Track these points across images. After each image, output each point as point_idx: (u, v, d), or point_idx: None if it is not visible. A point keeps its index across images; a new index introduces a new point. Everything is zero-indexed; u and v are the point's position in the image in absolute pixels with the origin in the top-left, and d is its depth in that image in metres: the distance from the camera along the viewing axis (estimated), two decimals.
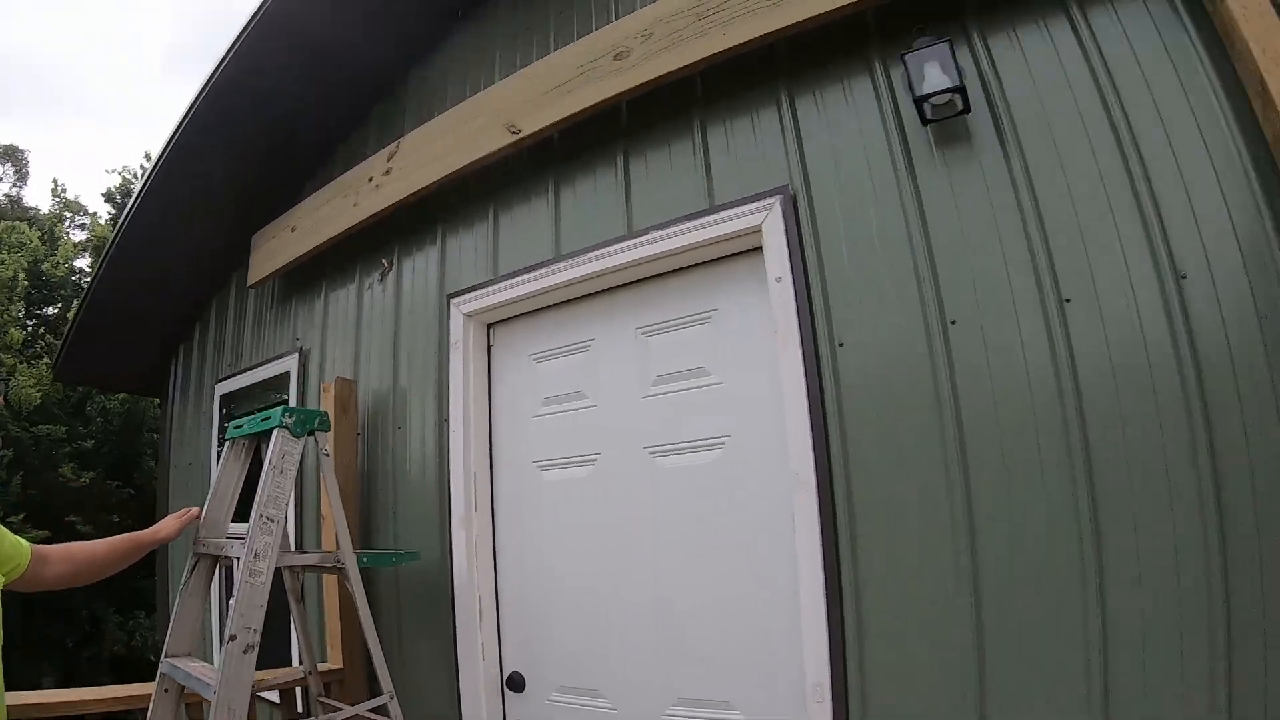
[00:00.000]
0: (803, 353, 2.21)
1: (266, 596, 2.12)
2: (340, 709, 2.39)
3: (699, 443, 2.47)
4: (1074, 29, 2.06)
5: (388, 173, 3.32)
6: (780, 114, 2.44)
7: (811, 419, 2.16)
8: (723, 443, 2.42)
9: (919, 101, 2.09)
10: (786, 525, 2.19)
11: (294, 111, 3.84)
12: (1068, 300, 1.90)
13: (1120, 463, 1.80)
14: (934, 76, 2.06)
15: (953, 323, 2.03)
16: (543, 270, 2.79)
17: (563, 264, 2.74)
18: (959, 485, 1.96)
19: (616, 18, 2.87)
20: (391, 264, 3.42)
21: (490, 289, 2.94)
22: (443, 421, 2.99)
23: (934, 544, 1.97)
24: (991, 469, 1.93)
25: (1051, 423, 1.87)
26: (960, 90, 2.05)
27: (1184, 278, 1.83)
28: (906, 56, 2.11)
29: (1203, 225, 1.84)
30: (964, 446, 1.96)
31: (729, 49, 2.41)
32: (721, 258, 2.51)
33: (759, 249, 2.38)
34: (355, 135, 3.92)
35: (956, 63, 2.07)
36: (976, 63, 2.15)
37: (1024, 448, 1.90)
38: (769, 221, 2.33)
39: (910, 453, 2.03)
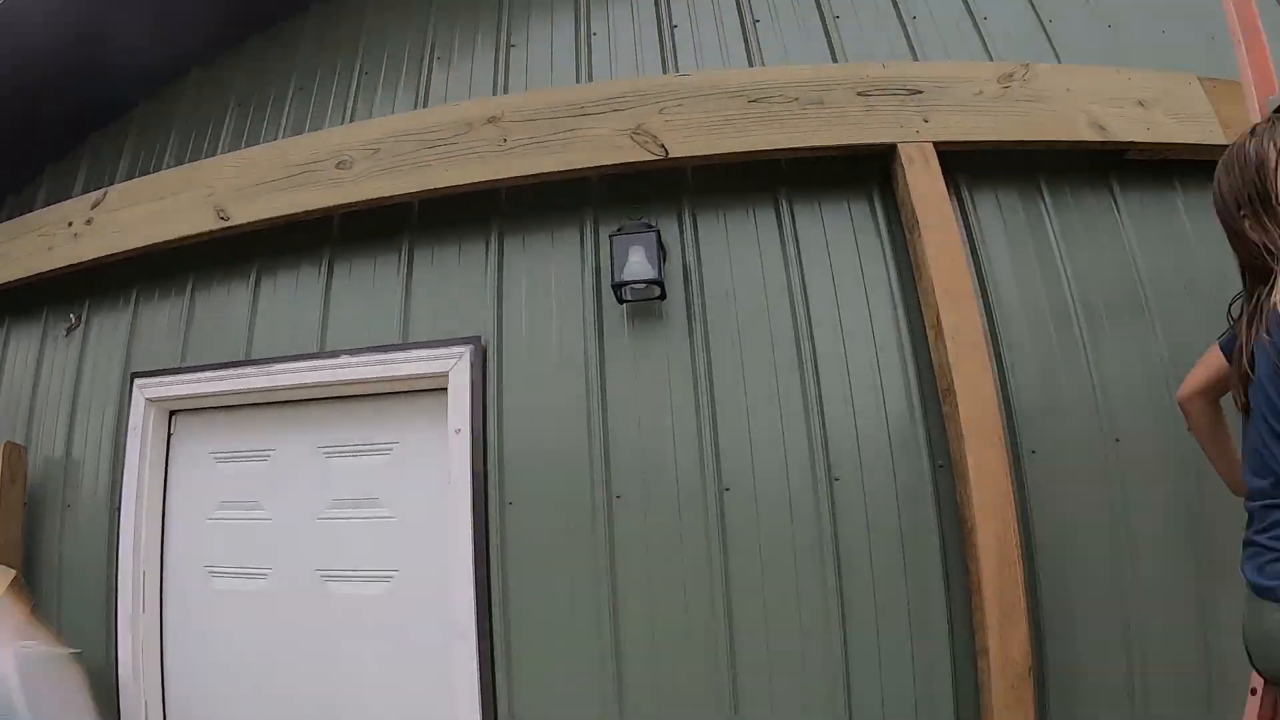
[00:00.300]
0: (473, 506, 2.26)
1: None
2: None
3: (369, 573, 2.47)
4: (779, 222, 2.25)
5: (89, 222, 3.06)
6: (486, 259, 2.47)
7: (475, 572, 2.22)
8: (391, 576, 2.44)
9: (617, 286, 2.19)
10: (448, 668, 2.24)
11: None
12: (727, 489, 2.07)
13: (761, 663, 1.99)
14: (636, 264, 2.16)
15: (618, 497, 2.15)
16: (232, 371, 2.69)
17: (252, 370, 2.65)
18: (610, 659, 2.09)
19: (350, 118, 2.81)
20: (80, 321, 3.16)
21: (177, 377, 2.79)
22: (114, 510, 2.81)
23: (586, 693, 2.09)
24: (643, 642, 2.07)
25: (701, 601, 2.03)
26: (659, 282, 2.16)
27: (837, 479, 2.05)
28: (614, 238, 2.21)
29: (861, 426, 2.10)
30: (617, 613, 2.09)
31: (449, 187, 2.42)
32: (410, 391, 2.52)
33: (446, 388, 2.40)
34: (65, 161, 3.58)
35: (662, 245, 2.18)
36: (683, 243, 2.28)
37: (673, 627, 2.05)
38: (456, 371, 2.36)
39: (567, 613, 2.14)
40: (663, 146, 2.20)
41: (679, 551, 2.08)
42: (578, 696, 2.10)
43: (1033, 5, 2.84)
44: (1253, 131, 1.48)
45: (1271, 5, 2.59)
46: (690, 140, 2.19)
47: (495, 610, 2.20)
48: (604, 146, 2.23)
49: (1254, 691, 1.61)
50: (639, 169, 2.24)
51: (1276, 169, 1.39)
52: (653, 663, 2.06)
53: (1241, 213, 1.45)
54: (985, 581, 1.94)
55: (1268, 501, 1.38)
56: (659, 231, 2.20)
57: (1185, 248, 2.56)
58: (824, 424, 2.09)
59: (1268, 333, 1.35)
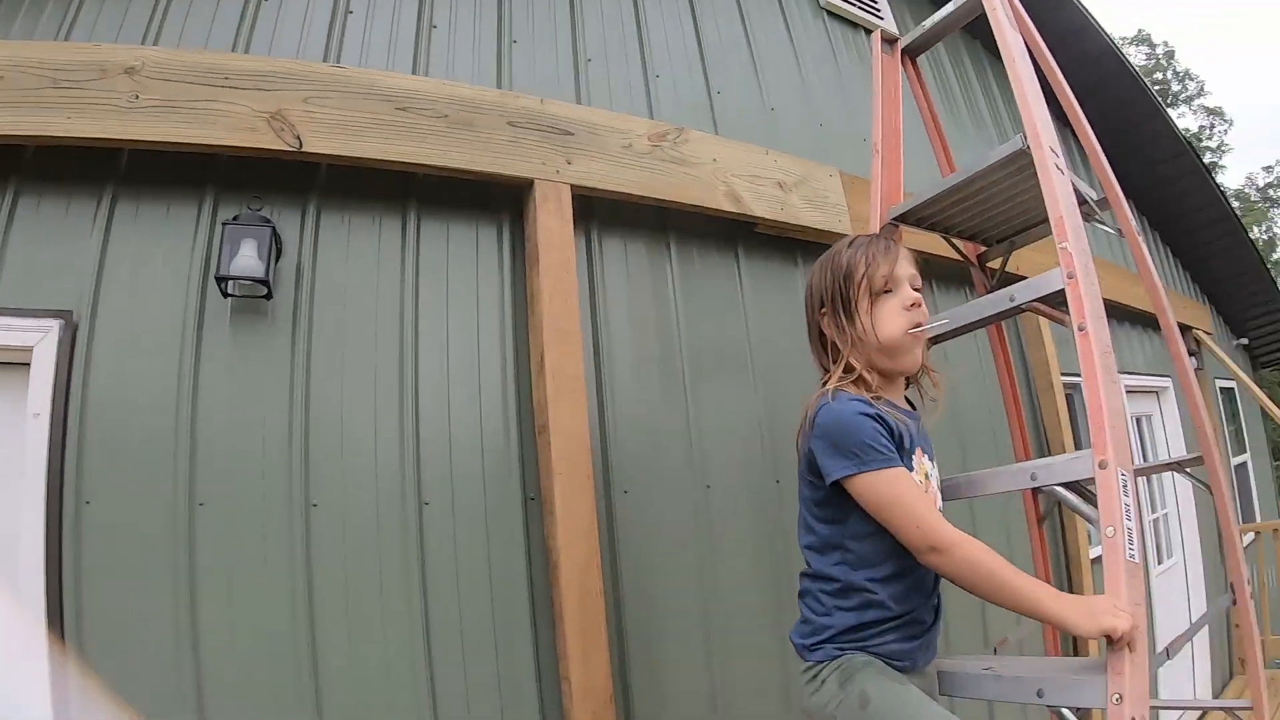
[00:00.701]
0: (46, 501, 2.00)
1: None
2: None
3: None
4: (403, 237, 2.19)
5: None
6: (94, 224, 2.20)
7: (47, 577, 1.96)
8: None
9: (222, 279, 2.04)
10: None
11: None
12: (314, 505, 1.96)
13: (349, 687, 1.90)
14: (246, 259, 2.00)
15: (201, 504, 1.98)
16: None
17: None
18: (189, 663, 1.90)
19: None
20: None
21: None
22: None
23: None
24: (225, 655, 1.90)
25: (282, 618, 1.89)
26: (265, 281, 2.03)
27: (428, 504, 2.02)
28: (228, 226, 2.04)
29: (456, 453, 2.08)
30: (197, 624, 1.91)
31: (71, 137, 2.14)
32: None
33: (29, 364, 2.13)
34: None
35: (278, 241, 2.05)
36: (302, 243, 2.13)
37: (256, 645, 1.89)
38: (42, 347, 2.09)
39: (137, 637, 1.93)
40: (299, 138, 2.08)
41: (264, 564, 1.95)
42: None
43: (705, 74, 3.04)
44: (851, 242, 1.65)
45: (917, 122, 2.95)
46: (329, 137, 2.08)
47: (68, 627, 1.95)
48: (239, 126, 2.06)
49: None
50: (270, 157, 2.11)
51: (860, 283, 1.57)
52: (238, 684, 1.93)
53: (822, 310, 1.64)
54: (567, 612, 2.01)
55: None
56: (275, 227, 2.07)
57: (797, 319, 2.84)
58: (419, 448, 2.06)
59: (810, 425, 1.52)
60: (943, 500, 1.63)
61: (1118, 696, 1.30)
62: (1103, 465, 1.48)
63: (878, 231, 2.16)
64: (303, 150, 2.05)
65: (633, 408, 2.36)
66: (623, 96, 2.75)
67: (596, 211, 2.46)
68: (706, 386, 2.53)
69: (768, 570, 2.50)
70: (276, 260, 2.09)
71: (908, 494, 1.41)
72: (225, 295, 2.09)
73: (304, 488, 1.97)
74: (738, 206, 2.63)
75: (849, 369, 1.57)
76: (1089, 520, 1.75)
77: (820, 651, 1.50)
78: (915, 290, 1.59)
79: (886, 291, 1.57)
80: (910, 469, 1.50)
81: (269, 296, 2.09)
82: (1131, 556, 1.40)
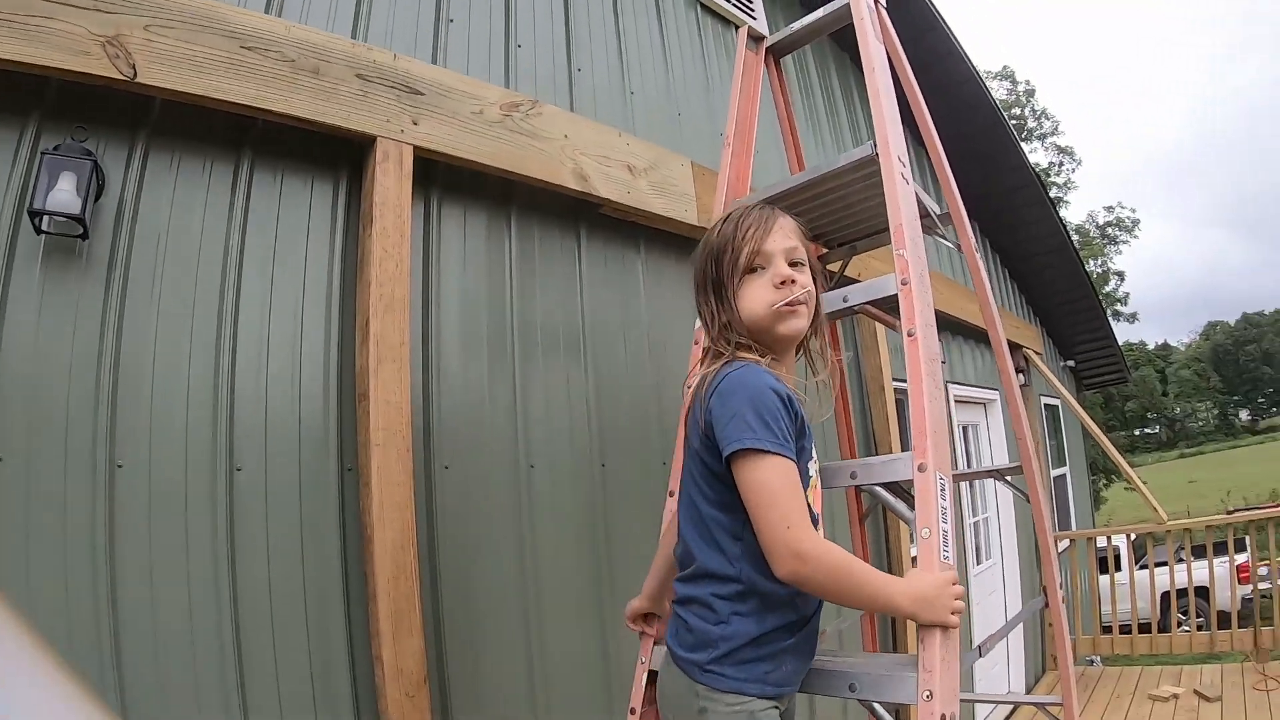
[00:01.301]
0: None
1: None
2: None
3: None
4: (234, 184, 2.02)
5: None
6: None
7: None
8: None
9: (35, 213, 1.83)
10: None
11: None
12: (120, 466, 1.78)
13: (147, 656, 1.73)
14: (62, 194, 1.79)
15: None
16: None
17: None
18: None
19: None
20: None
21: None
22: None
23: None
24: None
25: (83, 584, 1.69)
26: (82, 220, 1.83)
27: (239, 470, 1.87)
28: (47, 156, 1.83)
29: (272, 418, 1.95)
30: None
31: None
32: None
33: None
34: None
35: (100, 176, 1.85)
36: (126, 181, 1.92)
37: (54, 612, 1.68)
38: None
39: None
40: (134, 67, 1.89)
41: (62, 524, 1.76)
42: None
43: (569, 50, 2.99)
44: (728, 217, 1.55)
45: (773, 122, 2.98)
46: (168, 71, 1.89)
47: None
48: (72, 49, 1.84)
49: (633, 712, 1.79)
50: (102, 84, 1.91)
51: (730, 261, 1.47)
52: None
53: (702, 289, 1.54)
54: (380, 591, 1.92)
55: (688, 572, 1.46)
56: (98, 161, 1.88)
57: (634, 304, 2.85)
58: (233, 411, 1.91)
59: (709, 393, 1.40)
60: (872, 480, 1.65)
61: (928, 694, 1.33)
62: (921, 469, 1.51)
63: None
64: (136, 80, 1.87)
65: (459, 381, 2.29)
66: (480, 62, 2.65)
67: (439, 177, 2.37)
68: (536, 365, 2.49)
69: (588, 555, 2.49)
70: (97, 198, 1.89)
71: (790, 490, 1.30)
72: (39, 232, 1.88)
73: (109, 447, 1.79)
74: (584, 186, 2.59)
75: (719, 354, 1.48)
76: (906, 521, 1.81)
77: (720, 678, 1.35)
78: (793, 265, 1.48)
79: (757, 269, 1.47)
80: (811, 454, 1.45)
81: (85, 237, 1.89)
82: (946, 558, 1.43)
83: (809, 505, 1.38)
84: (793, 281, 1.45)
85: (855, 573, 1.31)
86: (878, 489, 1.79)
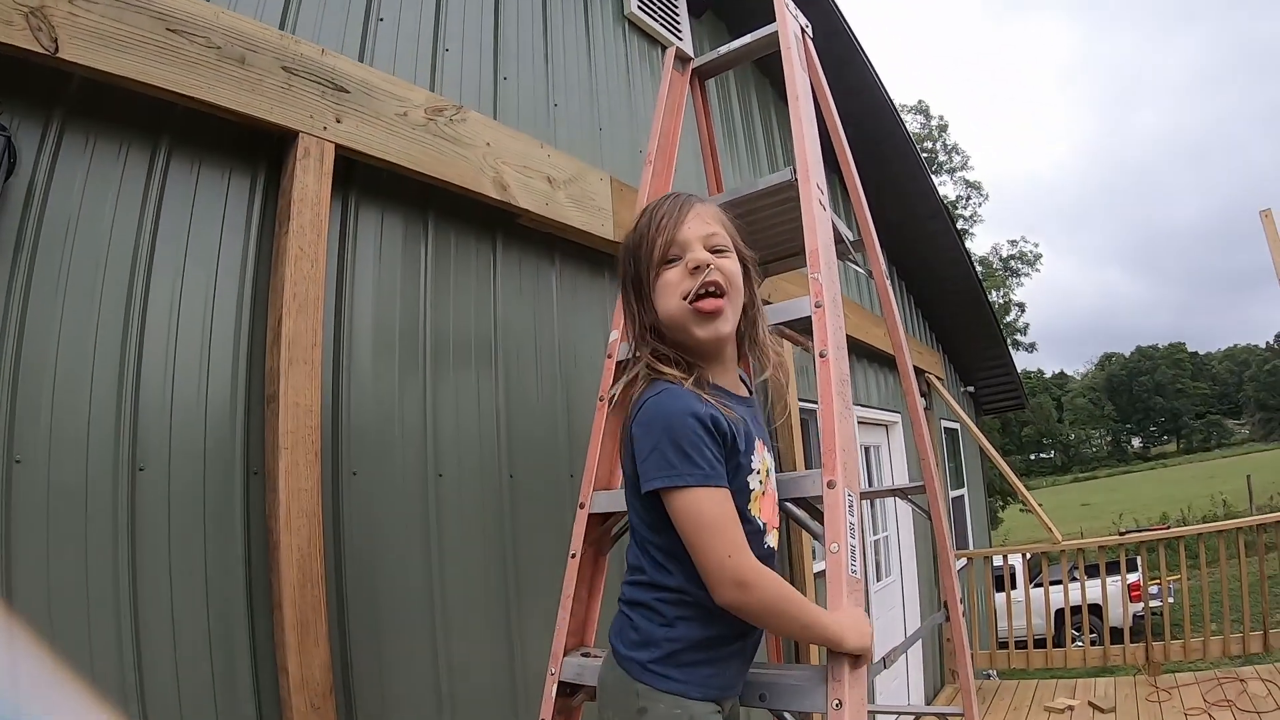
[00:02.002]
0: None
1: None
2: None
3: None
4: (150, 171, 1.95)
5: None
6: None
7: None
8: None
9: None
10: None
11: None
12: (18, 461, 1.67)
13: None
14: None
15: None
16: None
17: None
18: None
19: None
20: None
21: None
22: None
23: None
24: None
25: None
26: None
27: (142, 470, 1.79)
28: None
29: (177, 417, 1.88)
30: None
31: None
32: None
33: None
34: None
35: (13, 153, 1.74)
36: (38, 161, 1.81)
37: None
38: None
39: None
40: (55, 41, 1.80)
41: None
42: None
43: (496, 57, 2.99)
44: (645, 209, 1.48)
45: (694, 143, 3.03)
46: (91, 49, 1.80)
47: None
48: None
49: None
50: (21, 56, 1.81)
51: (646, 255, 1.40)
52: None
53: (624, 289, 1.47)
54: (285, 599, 1.87)
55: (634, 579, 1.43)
56: (11, 138, 1.77)
57: (546, 315, 2.86)
58: (137, 407, 1.83)
59: (632, 420, 1.36)
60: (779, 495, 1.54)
61: (837, 702, 1.37)
62: (831, 485, 1.55)
63: None
64: (57, 55, 1.78)
65: (370, 387, 2.25)
66: (408, 63, 2.63)
67: (359, 177, 2.34)
68: (448, 373, 2.47)
69: (496, 565, 2.48)
70: (8, 176, 1.79)
71: (724, 519, 1.25)
72: None
73: (7, 441, 1.69)
74: (503, 195, 2.60)
75: (636, 359, 1.42)
76: (814, 535, 1.86)
77: (661, 679, 1.32)
78: (715, 251, 1.39)
79: (673, 260, 1.38)
80: (750, 468, 1.38)
81: None
82: (854, 572, 1.47)
83: (754, 517, 1.37)
84: (708, 266, 1.36)
85: (793, 603, 1.30)
86: (786, 504, 1.83)
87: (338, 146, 2.18)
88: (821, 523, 1.57)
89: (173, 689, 1.76)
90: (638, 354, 1.42)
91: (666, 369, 1.36)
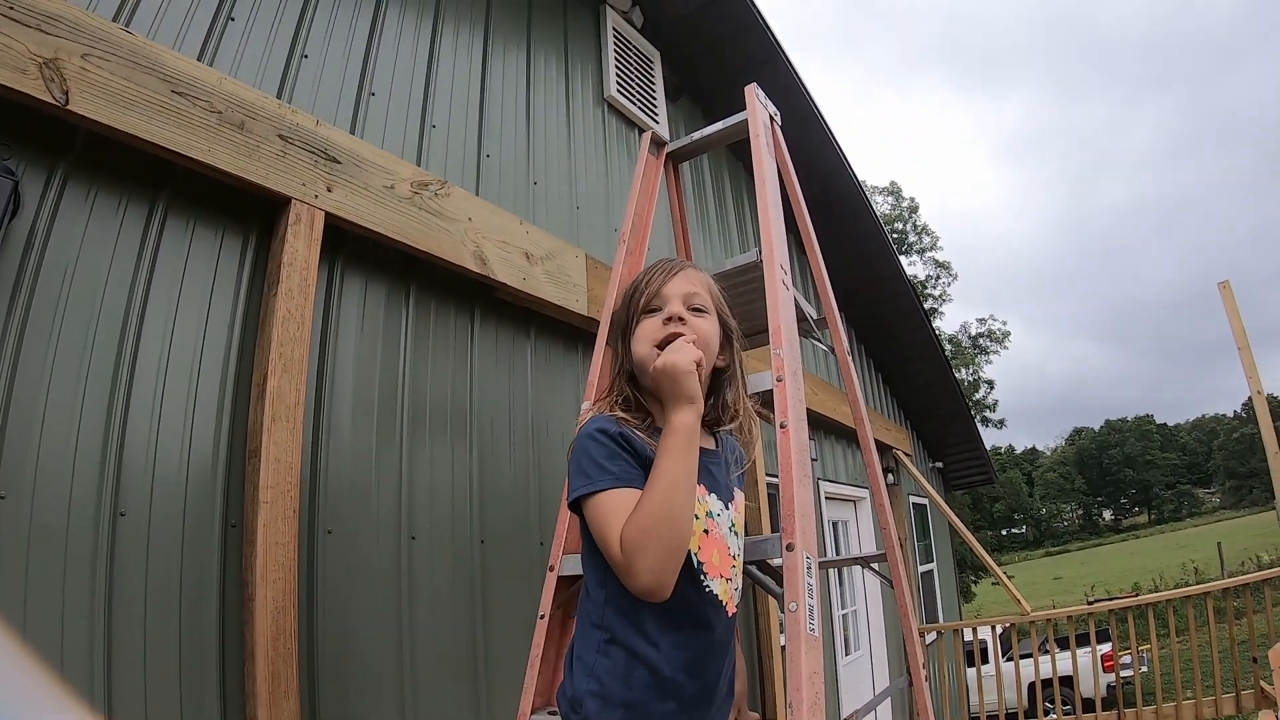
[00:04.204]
0: None
1: None
2: None
3: None
4: (147, 227, 2.03)
5: None
6: None
7: None
8: None
9: None
10: None
11: None
12: (2, 496, 1.70)
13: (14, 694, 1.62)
14: None
15: None
16: None
17: None
18: None
19: None
20: None
21: None
22: None
23: None
24: None
25: None
26: None
27: (123, 515, 1.83)
28: None
29: (160, 465, 1.93)
30: None
31: None
32: None
33: None
34: None
35: (18, 200, 1.81)
36: (40, 210, 1.87)
37: None
38: None
39: None
40: (66, 93, 1.88)
41: None
42: None
43: (480, 136, 3.14)
44: (649, 266, 1.55)
45: (666, 223, 3.16)
46: (99, 104, 1.89)
47: None
48: (8, 64, 1.80)
49: None
50: (33, 105, 1.89)
51: (634, 304, 1.48)
52: None
53: (616, 334, 1.54)
54: (258, 650, 1.89)
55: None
56: (18, 183, 1.85)
57: (520, 387, 2.95)
58: (122, 452, 1.87)
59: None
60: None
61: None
62: (790, 548, 1.62)
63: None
64: (67, 107, 1.87)
65: (347, 447, 2.32)
66: (395, 137, 2.77)
67: (345, 245, 2.44)
68: (423, 438, 2.54)
69: (465, 628, 2.51)
70: (11, 219, 1.86)
71: (621, 511, 1.23)
72: None
73: None
74: (483, 269, 2.71)
75: (613, 394, 1.47)
76: (774, 595, 1.92)
77: None
78: (693, 310, 1.45)
79: (654, 310, 1.46)
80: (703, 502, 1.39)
81: None
82: (812, 630, 1.53)
83: (690, 552, 1.30)
84: (681, 320, 1.42)
85: (659, 479, 1.24)
86: (749, 567, 1.89)
87: (327, 214, 2.29)
88: (780, 584, 1.64)
89: None
90: (611, 392, 1.49)
91: (620, 413, 1.40)
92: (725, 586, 1.39)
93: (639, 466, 1.31)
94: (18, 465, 1.74)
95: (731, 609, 1.41)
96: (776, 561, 1.76)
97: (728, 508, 1.46)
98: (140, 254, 2.03)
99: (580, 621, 1.40)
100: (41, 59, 1.85)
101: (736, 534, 1.48)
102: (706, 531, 1.38)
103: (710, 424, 1.50)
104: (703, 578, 1.35)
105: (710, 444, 1.51)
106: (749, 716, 1.73)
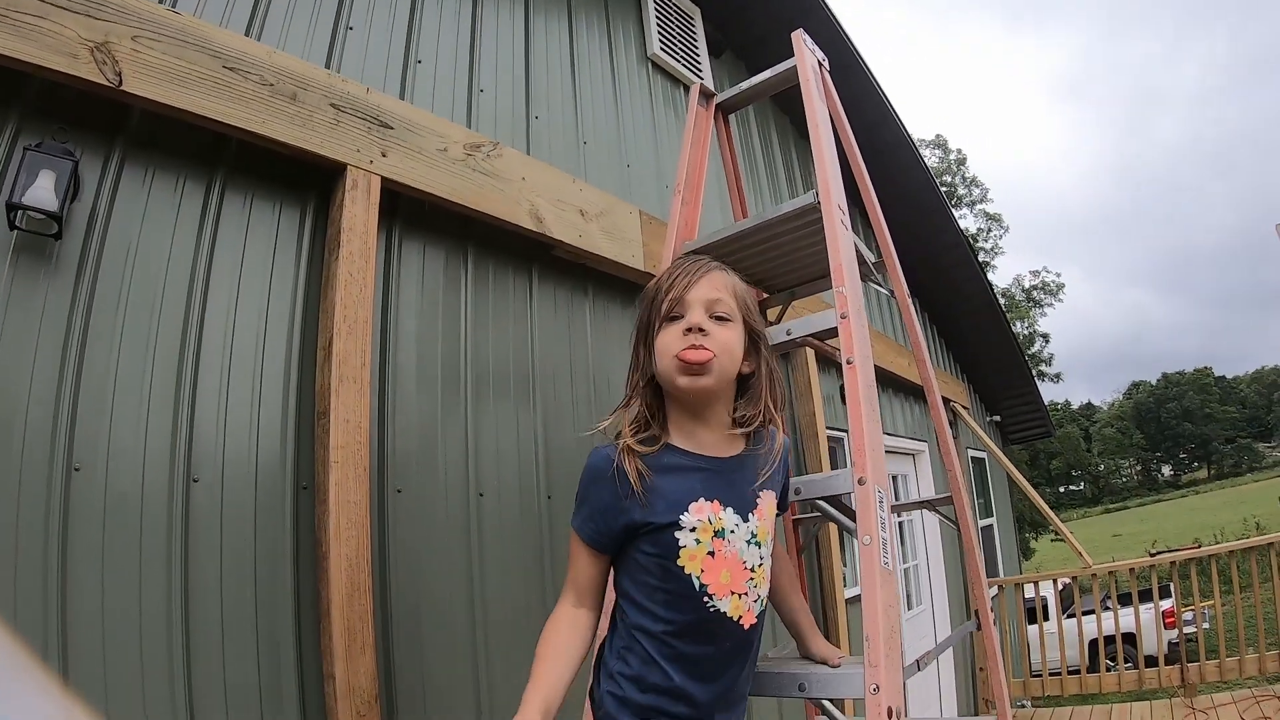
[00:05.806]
0: None
1: None
2: None
3: None
4: (206, 201, 2.08)
5: None
6: None
7: None
8: None
9: (12, 207, 1.84)
10: None
11: None
12: (77, 468, 1.78)
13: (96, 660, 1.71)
14: (41, 191, 1.80)
15: None
16: None
17: None
18: None
19: None
20: None
21: None
22: None
23: None
24: None
25: (33, 591, 1.66)
26: (59, 218, 1.85)
27: (196, 481, 1.89)
28: (30, 152, 1.85)
29: (231, 431, 1.98)
30: None
31: None
32: None
33: None
34: None
35: (78, 180, 1.88)
36: (100, 188, 1.95)
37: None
38: None
39: None
40: (119, 75, 1.93)
41: (14, 522, 1.73)
42: None
43: (527, 98, 3.14)
44: (672, 264, 1.53)
45: (717, 173, 3.14)
46: (153, 83, 1.93)
47: None
48: (61, 50, 1.86)
49: None
50: (86, 88, 1.94)
51: (655, 308, 1.45)
52: None
53: (636, 335, 1.51)
54: (334, 607, 1.94)
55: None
56: (78, 163, 1.91)
57: (580, 344, 2.96)
58: (193, 422, 1.93)
59: None
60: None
61: (875, 687, 1.44)
62: (861, 481, 1.63)
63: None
64: (120, 89, 1.91)
65: (413, 408, 2.36)
66: (445, 102, 2.78)
67: (402, 209, 2.47)
68: (487, 397, 2.58)
69: (535, 581, 2.55)
70: (72, 200, 1.92)
71: (572, 564, 1.47)
72: (13, 228, 1.88)
73: (67, 448, 1.79)
74: (539, 227, 2.72)
75: (628, 405, 1.50)
76: (847, 530, 1.92)
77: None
78: (716, 318, 1.42)
79: (676, 317, 1.42)
80: (677, 524, 1.37)
81: (59, 236, 1.91)
82: (886, 565, 1.54)
83: (682, 571, 1.36)
84: (701, 331, 1.39)
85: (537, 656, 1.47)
86: (819, 502, 1.90)
87: (383, 179, 2.31)
88: (853, 519, 1.64)
89: (220, 695, 1.84)
90: (629, 401, 1.51)
91: (630, 440, 1.44)
92: (738, 602, 1.40)
93: (613, 510, 1.41)
94: (92, 438, 1.80)
95: (749, 621, 1.42)
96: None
97: (747, 519, 1.43)
98: (201, 228, 2.07)
99: (610, 623, 1.51)
100: (93, 43, 1.89)
101: (759, 544, 1.45)
102: (711, 554, 1.38)
103: (742, 423, 1.48)
104: (707, 599, 1.37)
105: (737, 447, 1.49)
106: (820, 645, 1.74)
